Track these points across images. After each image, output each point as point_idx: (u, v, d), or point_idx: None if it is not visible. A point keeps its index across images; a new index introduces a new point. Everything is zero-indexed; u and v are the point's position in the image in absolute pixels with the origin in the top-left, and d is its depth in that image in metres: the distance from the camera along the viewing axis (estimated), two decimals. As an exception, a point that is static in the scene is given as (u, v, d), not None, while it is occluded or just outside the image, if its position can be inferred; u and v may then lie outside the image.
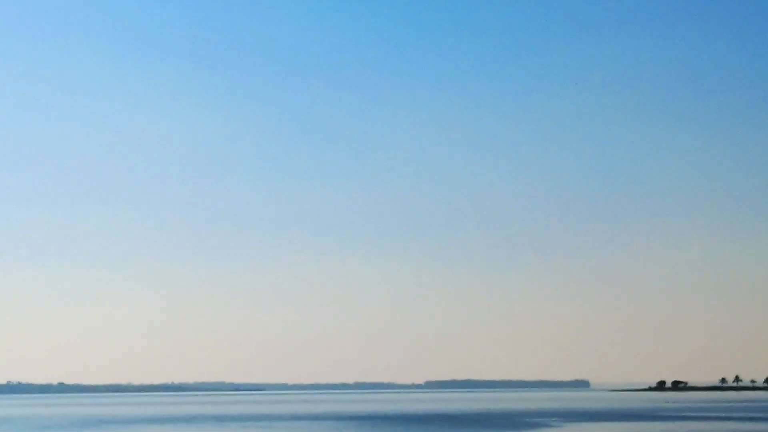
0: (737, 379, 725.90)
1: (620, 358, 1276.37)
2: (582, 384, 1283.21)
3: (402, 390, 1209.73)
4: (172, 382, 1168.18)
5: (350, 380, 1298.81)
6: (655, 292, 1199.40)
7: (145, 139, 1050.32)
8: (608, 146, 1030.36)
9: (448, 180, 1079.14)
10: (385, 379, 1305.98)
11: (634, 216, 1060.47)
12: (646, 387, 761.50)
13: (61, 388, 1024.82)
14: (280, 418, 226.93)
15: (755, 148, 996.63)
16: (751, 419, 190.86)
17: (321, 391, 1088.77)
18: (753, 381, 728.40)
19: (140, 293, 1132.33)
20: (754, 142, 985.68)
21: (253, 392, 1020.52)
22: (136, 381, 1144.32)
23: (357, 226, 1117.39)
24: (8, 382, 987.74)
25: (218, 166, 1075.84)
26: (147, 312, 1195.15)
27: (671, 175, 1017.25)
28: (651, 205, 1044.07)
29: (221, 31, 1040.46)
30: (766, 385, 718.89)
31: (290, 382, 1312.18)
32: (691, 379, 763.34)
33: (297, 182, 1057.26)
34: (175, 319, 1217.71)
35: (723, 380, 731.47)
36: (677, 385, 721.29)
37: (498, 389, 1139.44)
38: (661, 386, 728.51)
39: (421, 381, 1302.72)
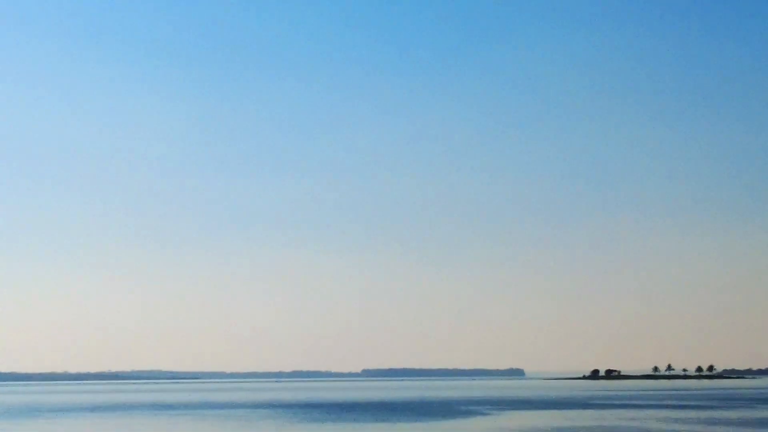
0: (669, 367, 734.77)
1: (555, 348, 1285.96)
2: (517, 373, 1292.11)
3: (339, 378, 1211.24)
4: (109, 371, 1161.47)
5: (287, 369, 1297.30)
6: (590, 282, 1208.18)
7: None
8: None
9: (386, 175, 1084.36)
10: (323, 368, 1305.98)
11: (570, 210, 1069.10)
12: (581, 376, 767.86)
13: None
14: (216, 406, 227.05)
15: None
16: (681, 407, 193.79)
17: (258, 380, 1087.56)
18: (685, 370, 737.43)
19: (75, 282, 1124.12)
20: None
21: (189, 381, 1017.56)
22: (72, 369, 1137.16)
23: (299, 218, 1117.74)
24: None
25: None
26: (82, 301, 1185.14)
27: (613, 169, 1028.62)
28: (587, 199, 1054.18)
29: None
30: (697, 373, 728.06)
31: (227, 370, 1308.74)
32: (625, 368, 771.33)
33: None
34: (111, 307, 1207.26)
35: (656, 369, 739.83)
36: (610, 374, 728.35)
37: (434, 378, 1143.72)
38: (594, 375, 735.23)
39: (358, 369, 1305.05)
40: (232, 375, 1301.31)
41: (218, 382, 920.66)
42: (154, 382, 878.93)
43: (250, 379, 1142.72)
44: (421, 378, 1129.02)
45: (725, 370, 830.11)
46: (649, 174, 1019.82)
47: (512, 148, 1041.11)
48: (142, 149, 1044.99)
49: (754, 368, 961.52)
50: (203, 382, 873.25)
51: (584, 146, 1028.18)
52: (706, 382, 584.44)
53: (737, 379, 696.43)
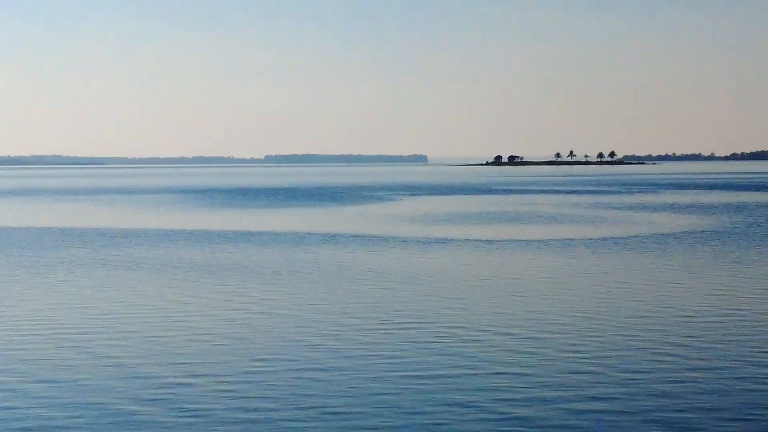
0: (571, 154, 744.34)
1: (458, 134, 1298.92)
2: (420, 159, 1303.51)
3: (242, 164, 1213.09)
4: (9, 156, 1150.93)
5: (189, 155, 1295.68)
6: (493, 68, 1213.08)
7: None
8: None
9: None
10: (225, 154, 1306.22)
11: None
12: (483, 162, 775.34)
13: None
14: (118, 191, 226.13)
15: None
16: (579, 192, 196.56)
17: (160, 165, 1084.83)
18: (586, 156, 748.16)
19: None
20: None
21: (91, 166, 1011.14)
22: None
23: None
24: None
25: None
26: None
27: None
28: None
29: None
30: (598, 159, 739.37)
31: (129, 156, 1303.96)
32: (527, 154, 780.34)
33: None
34: (11, 89, 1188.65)
35: (557, 155, 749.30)
36: (513, 160, 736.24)
37: (337, 164, 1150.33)
38: (497, 161, 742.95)
39: (260, 155, 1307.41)
40: (134, 161, 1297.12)
41: (120, 167, 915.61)
42: (56, 168, 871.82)
43: (152, 165, 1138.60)
44: (324, 164, 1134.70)
45: (626, 156, 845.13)
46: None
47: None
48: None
49: (654, 154, 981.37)
50: (105, 168, 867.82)
51: None
52: (606, 168, 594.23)
53: (637, 165, 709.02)
